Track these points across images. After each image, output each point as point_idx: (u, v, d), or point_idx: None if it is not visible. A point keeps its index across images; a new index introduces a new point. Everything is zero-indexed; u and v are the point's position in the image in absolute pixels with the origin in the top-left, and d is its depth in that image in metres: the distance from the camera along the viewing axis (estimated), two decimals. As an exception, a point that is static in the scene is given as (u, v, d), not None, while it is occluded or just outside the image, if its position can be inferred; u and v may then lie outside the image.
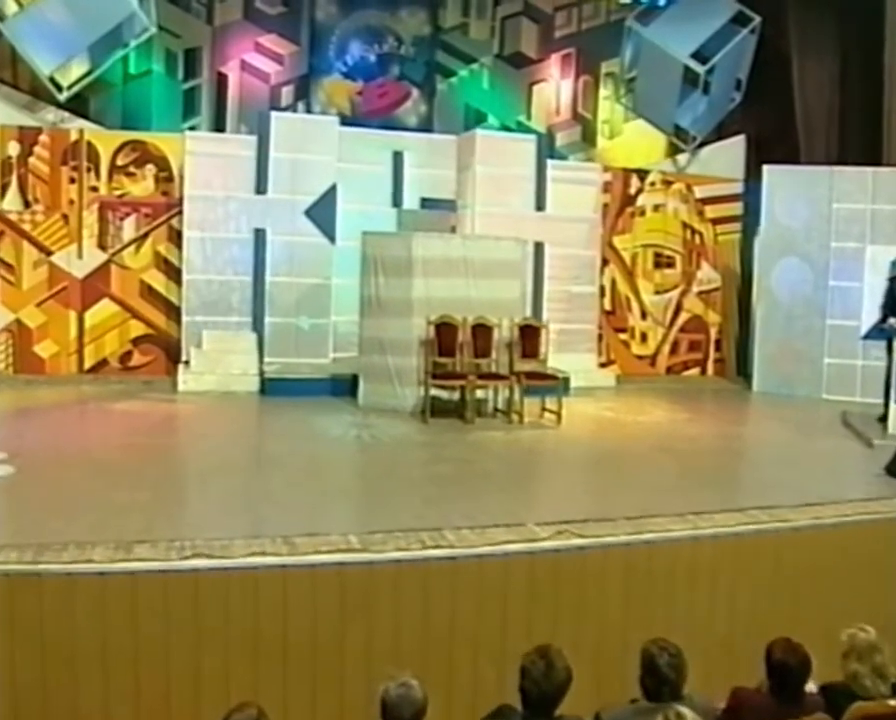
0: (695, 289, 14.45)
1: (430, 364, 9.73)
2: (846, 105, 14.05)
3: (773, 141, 14.45)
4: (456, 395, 9.93)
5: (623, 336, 14.07)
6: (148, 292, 11.81)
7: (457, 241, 10.05)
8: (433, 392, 9.58)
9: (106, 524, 5.32)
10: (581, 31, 15.73)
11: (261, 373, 11.07)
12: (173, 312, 11.73)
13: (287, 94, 14.07)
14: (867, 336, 12.28)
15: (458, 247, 10.01)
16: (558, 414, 9.59)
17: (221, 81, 13.73)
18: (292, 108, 13.13)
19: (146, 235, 11.78)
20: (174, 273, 11.72)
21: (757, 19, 13.19)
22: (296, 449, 7.79)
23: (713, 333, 14.64)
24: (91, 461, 7.10)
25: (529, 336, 10.02)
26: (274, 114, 11.91)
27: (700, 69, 12.86)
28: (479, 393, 9.79)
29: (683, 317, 14.45)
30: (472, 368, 9.83)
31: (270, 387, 10.76)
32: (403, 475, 7.00)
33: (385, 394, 9.96)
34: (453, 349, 9.78)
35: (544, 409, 9.92)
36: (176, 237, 11.69)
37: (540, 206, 12.80)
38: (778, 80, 14.14)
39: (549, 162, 12.91)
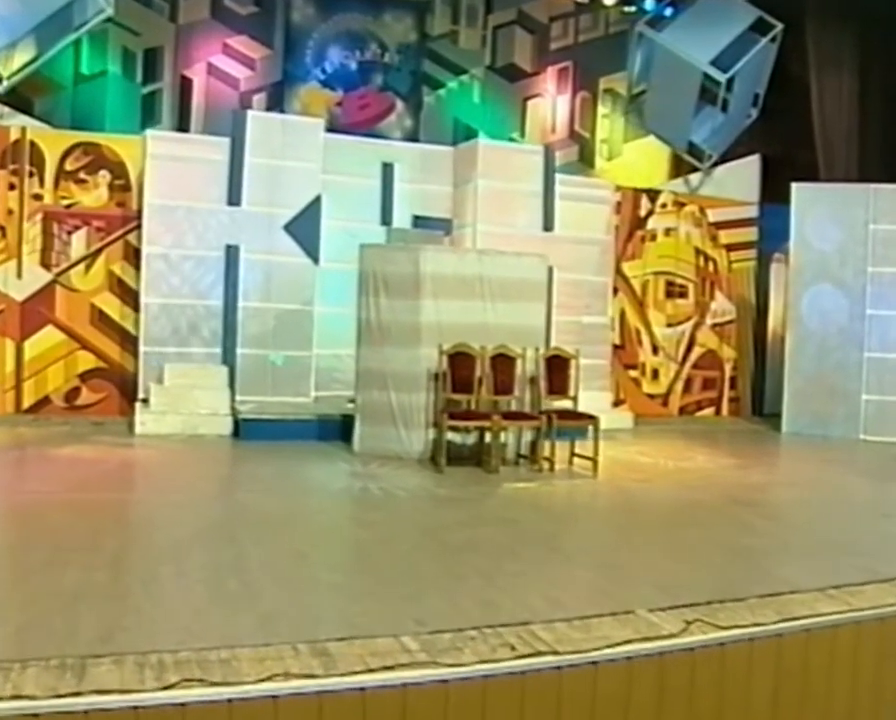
0: (709, 321, 13.17)
1: (443, 402, 8.21)
2: (865, 123, 13.02)
3: (789, 161, 13.32)
4: (470, 438, 8.41)
5: (633, 373, 12.69)
6: (99, 318, 10.12)
7: (472, 257, 8.56)
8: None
9: (43, 628, 3.66)
10: (578, 44, 14.54)
11: (234, 413, 9.42)
12: (129, 342, 10.05)
13: (259, 102, 12.58)
14: (910, 370, 11.10)
15: (473, 263, 8.53)
16: (594, 461, 8.11)
17: (185, 86, 12.23)
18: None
19: (98, 252, 10.12)
20: (130, 297, 10.06)
21: (779, 26, 12.07)
22: (294, 508, 6.18)
23: (728, 369, 13.35)
24: (25, 525, 5.44)
25: (557, 369, 8.55)
26: (251, 113, 10.39)
27: (721, 77, 11.66)
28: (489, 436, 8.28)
29: (696, 352, 13.13)
30: (490, 406, 8.33)
31: (245, 429, 9.12)
32: (440, 541, 5.42)
33: (387, 438, 8.39)
34: (470, 384, 8.26)
35: (573, 454, 8.44)
36: (133, 255, 10.05)
37: (548, 226, 11.41)
38: (794, 97, 13.06)
39: (557, 177, 11.52)
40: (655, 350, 12.81)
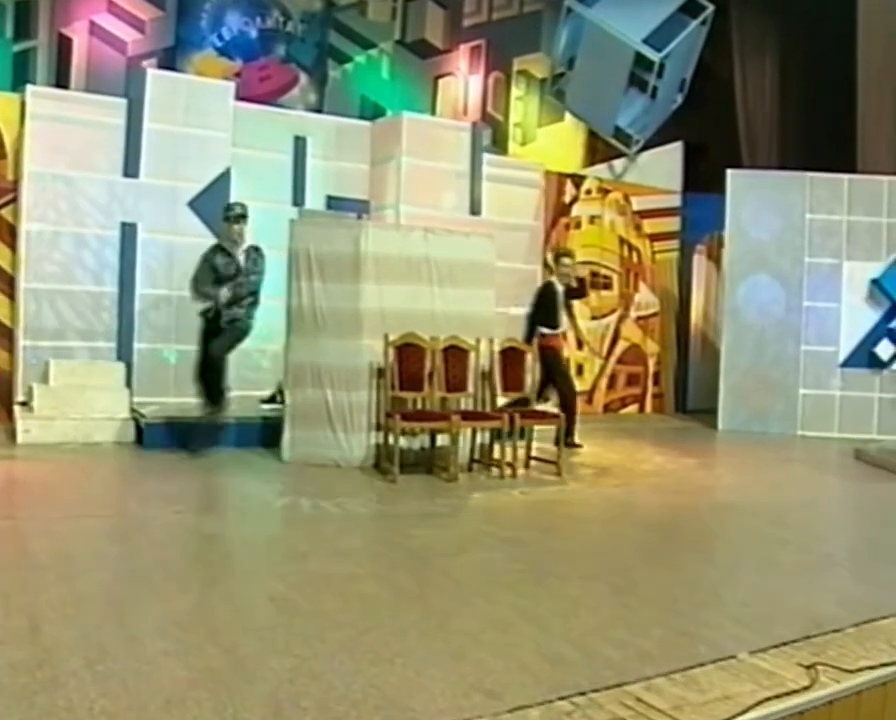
0: (633, 314, 12.60)
1: (389, 401, 7.18)
2: (786, 111, 12.78)
3: (710, 148, 12.94)
4: (417, 442, 7.42)
5: (558, 368, 11.92)
6: (-34, 308, 8.58)
7: (418, 235, 7.54)
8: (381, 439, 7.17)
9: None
10: (492, 21, 13.81)
11: (135, 416, 8.10)
12: (3, 336, 8.55)
13: (148, 68, 11.22)
14: (846, 363, 10.80)
15: (419, 243, 7.53)
16: (557, 464, 7.28)
17: (64, 45, 10.84)
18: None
19: (-36, 229, 8.56)
20: (5, 282, 8.56)
21: (710, 8, 11.58)
22: (239, 535, 5.04)
23: (651, 364, 12.81)
24: None
25: (513, 363, 7.66)
26: (151, 72, 9.02)
27: (655, 56, 11.06)
28: (442, 440, 7.33)
29: (621, 346, 12.54)
30: (440, 405, 7.38)
31: (150, 435, 7.82)
32: (442, 572, 4.40)
33: (322, 442, 7.29)
34: (419, 380, 7.27)
35: (530, 457, 7.58)
36: (8, 232, 8.54)
37: (475, 209, 10.52)
38: (716, 83, 12.67)
39: (485, 157, 10.65)
40: (580, 344, 12.12)
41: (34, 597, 3.75)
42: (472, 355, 7.46)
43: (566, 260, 8.96)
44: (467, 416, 7.16)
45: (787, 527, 5.94)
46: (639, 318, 12.66)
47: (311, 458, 7.25)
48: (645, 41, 11.21)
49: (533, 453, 7.62)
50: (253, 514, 5.65)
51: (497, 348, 7.67)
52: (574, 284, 9.06)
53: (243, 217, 7.51)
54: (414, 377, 7.25)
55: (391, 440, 6.99)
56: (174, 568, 4.32)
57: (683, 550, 5.15)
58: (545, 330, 8.65)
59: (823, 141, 11.90)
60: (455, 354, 7.38)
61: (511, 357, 7.67)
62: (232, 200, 9.21)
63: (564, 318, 8.94)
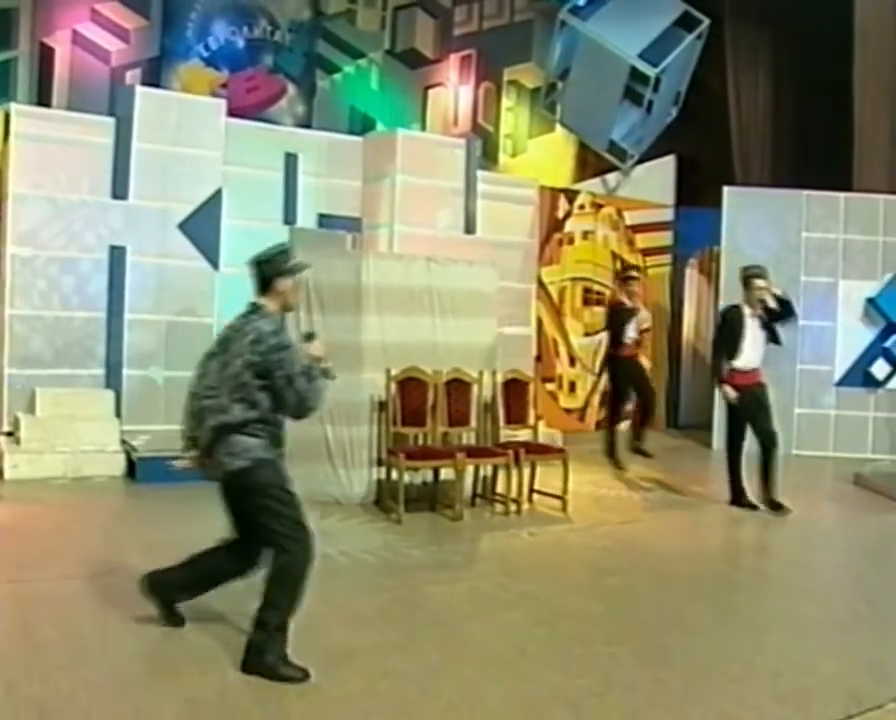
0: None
1: (391, 436, 7.01)
2: (778, 127, 12.72)
3: (702, 163, 12.87)
4: (419, 477, 7.24)
5: (550, 386, 11.81)
6: (-52, 334, 8.29)
7: (420, 265, 7.36)
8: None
9: None
10: (483, 30, 13.62)
11: (126, 448, 7.86)
12: (-14, 363, 8.27)
13: (132, 79, 11.01)
14: (842, 382, 10.76)
15: (422, 273, 7.35)
16: (563, 499, 7.14)
17: (45, 56, 10.53)
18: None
19: (-55, 253, 8.27)
20: (-12, 307, 8.27)
21: (706, 22, 11.47)
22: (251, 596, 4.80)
23: (643, 380, 12.67)
24: None
25: (516, 395, 7.49)
26: (140, 89, 8.74)
27: (651, 71, 10.92)
28: (444, 473, 7.15)
29: (613, 362, 12.38)
30: (443, 440, 7.21)
31: (143, 470, 7.58)
32: (464, 638, 4.24)
33: (321, 479, 7.09)
34: (422, 415, 7.10)
35: (533, 490, 7.43)
36: (-8, 257, 8.25)
37: (469, 228, 10.34)
38: (709, 97, 12.57)
39: (479, 174, 10.46)
40: (572, 361, 12.00)
41: (42, 687, 3.54)
42: (475, 388, 7.29)
43: (759, 282, 7.39)
44: (472, 453, 6.98)
45: (803, 572, 5.85)
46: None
47: (311, 495, 6.95)
48: (641, 55, 11.08)
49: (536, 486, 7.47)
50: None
51: (500, 379, 7.50)
52: (772, 304, 7.46)
53: None
54: (416, 412, 7.07)
55: (394, 475, 6.83)
56: (187, 643, 4.11)
57: (704, 604, 5.01)
58: (736, 364, 7.37)
59: (817, 155, 11.87)
60: (458, 387, 7.21)
61: (513, 389, 7.51)
62: (224, 220, 9.02)
63: (749, 349, 7.44)
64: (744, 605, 5.08)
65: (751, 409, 7.37)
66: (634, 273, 9.49)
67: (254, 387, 3.81)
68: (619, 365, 8.96)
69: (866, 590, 5.55)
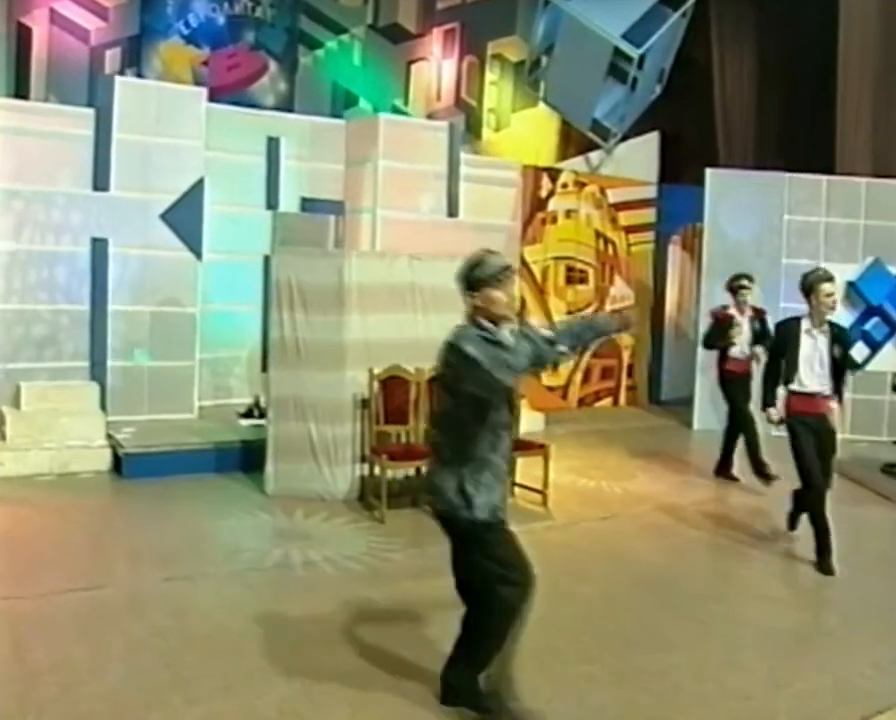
0: (608, 307, 12.55)
1: (374, 435, 7.10)
2: (762, 106, 12.70)
3: (686, 139, 12.87)
4: (400, 472, 7.33)
5: (533, 365, 11.87)
6: (-70, 328, 8.28)
7: (403, 263, 7.39)
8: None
9: None
10: (466, 4, 13.50)
11: (112, 443, 7.91)
12: (-31, 356, 8.29)
13: (112, 58, 10.92)
14: (821, 365, 10.85)
15: (404, 271, 7.39)
16: (543, 493, 7.27)
17: (23, 36, 10.45)
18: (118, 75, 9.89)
19: (-74, 246, 8.25)
20: (-30, 301, 8.26)
21: (690, 0, 11.39)
22: (240, 615, 4.88)
23: (626, 357, 12.82)
24: None
25: (498, 390, 7.55)
26: (120, 79, 8.67)
27: (634, 52, 10.88)
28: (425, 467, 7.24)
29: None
30: (423, 436, 7.29)
31: (129, 465, 7.63)
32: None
33: (306, 476, 7.19)
34: (404, 413, 7.18)
35: (514, 484, 7.53)
36: (-27, 250, 8.23)
37: (452, 211, 10.34)
38: (693, 74, 12.54)
39: (462, 157, 10.45)
40: (555, 340, 12.06)
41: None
42: (457, 385, 7.35)
43: (827, 287, 6.16)
44: (455, 452, 7.06)
45: (782, 580, 5.98)
46: (614, 311, 12.58)
47: (294, 491, 7.16)
48: (625, 36, 11.03)
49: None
50: (247, 580, 5.47)
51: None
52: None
53: None
54: (399, 410, 7.15)
55: (377, 472, 6.93)
56: (178, 667, 4.21)
57: (680, 618, 5.15)
58: (793, 387, 6.16)
59: (801, 132, 11.89)
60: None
61: (496, 385, 7.57)
62: (206, 207, 8.99)
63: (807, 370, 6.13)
64: (720, 618, 5.20)
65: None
66: (746, 282, 8.46)
67: None
68: (731, 382, 8.39)
69: (842, 595, 5.69)
